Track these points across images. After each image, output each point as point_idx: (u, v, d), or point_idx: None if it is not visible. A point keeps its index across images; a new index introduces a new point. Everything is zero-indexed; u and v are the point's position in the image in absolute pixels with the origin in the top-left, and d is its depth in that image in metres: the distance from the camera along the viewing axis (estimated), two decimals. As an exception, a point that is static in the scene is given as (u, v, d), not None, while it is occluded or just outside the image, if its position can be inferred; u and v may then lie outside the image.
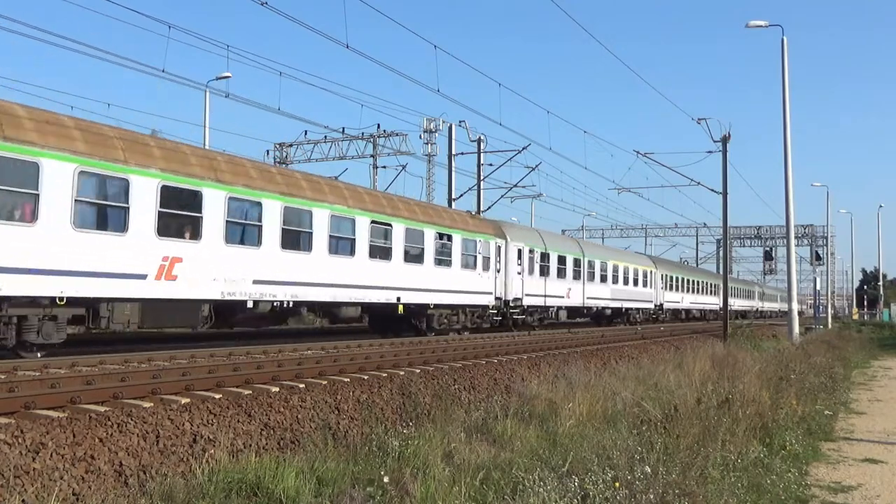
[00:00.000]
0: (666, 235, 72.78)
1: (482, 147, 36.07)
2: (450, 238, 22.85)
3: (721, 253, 57.15)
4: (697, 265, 72.52)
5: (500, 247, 25.66)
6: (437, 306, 22.08)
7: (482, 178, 35.95)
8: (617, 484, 5.98)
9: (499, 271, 25.54)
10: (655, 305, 43.32)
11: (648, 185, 57.67)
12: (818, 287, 52.40)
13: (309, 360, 12.80)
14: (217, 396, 8.91)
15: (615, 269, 36.87)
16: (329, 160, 38.99)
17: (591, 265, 33.83)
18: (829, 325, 51.35)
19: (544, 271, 29.15)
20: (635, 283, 39.87)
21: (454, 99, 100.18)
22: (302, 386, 10.16)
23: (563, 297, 30.84)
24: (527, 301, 27.60)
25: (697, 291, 53.79)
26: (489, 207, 36.45)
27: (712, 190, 32.63)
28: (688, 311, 51.80)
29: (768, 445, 9.13)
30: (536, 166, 36.88)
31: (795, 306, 30.68)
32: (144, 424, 7.54)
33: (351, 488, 6.33)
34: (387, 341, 18.33)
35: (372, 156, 38.79)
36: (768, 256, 73.69)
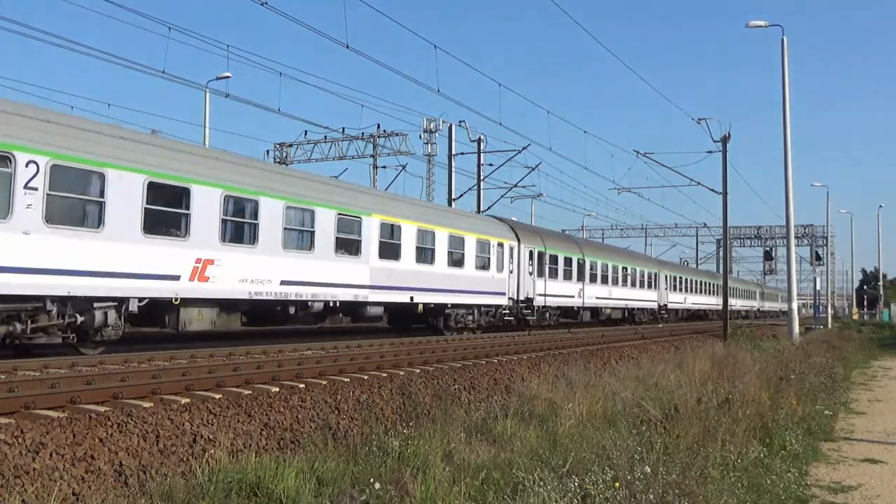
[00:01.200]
0: (666, 235, 72.87)
1: (482, 147, 36.11)
2: None
3: (721, 253, 57.09)
4: (697, 265, 72.34)
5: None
6: None
7: (482, 178, 35.97)
8: (617, 484, 5.98)
9: None
10: (515, 300, 26.42)
11: (648, 185, 57.27)
12: (818, 287, 52.40)
13: (309, 360, 12.81)
14: (217, 396, 8.91)
15: (392, 233, 19.98)
16: (329, 160, 39.03)
17: (309, 219, 17.20)
18: (829, 325, 51.34)
19: (159, 221, 13.59)
20: (458, 262, 22.99)
21: (454, 99, 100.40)
22: (302, 386, 10.16)
23: (178, 276, 13.85)
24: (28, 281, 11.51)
25: (613, 281, 36.35)
26: (489, 207, 36.49)
27: (712, 190, 32.68)
28: (594, 309, 34.05)
29: (768, 445, 9.13)
30: (536, 166, 36.74)
31: (795, 306, 30.69)
32: (144, 424, 7.54)
33: (351, 488, 6.32)
34: (387, 341, 18.31)
35: (372, 156, 38.82)
36: (768, 256, 73.75)
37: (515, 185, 37.47)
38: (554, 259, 29.87)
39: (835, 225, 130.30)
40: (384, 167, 39.25)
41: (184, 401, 8.54)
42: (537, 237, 29.58)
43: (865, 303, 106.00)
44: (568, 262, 31.17)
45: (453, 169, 34.60)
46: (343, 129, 37.12)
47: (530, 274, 27.66)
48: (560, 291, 30.29)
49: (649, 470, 6.25)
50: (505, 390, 12.64)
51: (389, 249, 19.84)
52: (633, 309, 39.53)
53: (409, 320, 22.43)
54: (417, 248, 20.90)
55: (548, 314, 29.40)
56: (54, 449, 6.66)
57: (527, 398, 11.18)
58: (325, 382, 10.54)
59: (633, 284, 39.31)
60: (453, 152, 34.79)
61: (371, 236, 19.08)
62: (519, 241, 27.12)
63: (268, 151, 39.91)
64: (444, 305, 22.34)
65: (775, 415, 10.50)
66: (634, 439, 7.92)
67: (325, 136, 38.05)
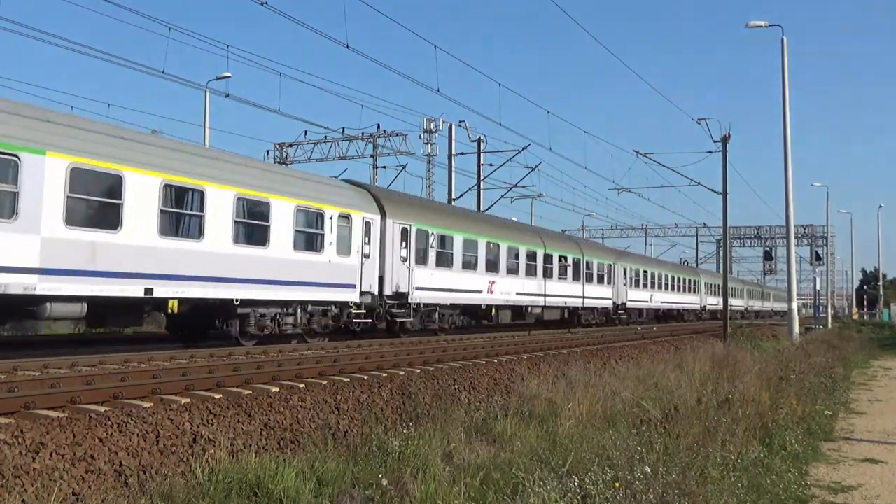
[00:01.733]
0: (666, 235, 72.96)
1: (482, 147, 36.15)
2: None
3: (721, 253, 57.06)
4: (697, 265, 72.27)
5: None
6: None
7: (482, 178, 36.01)
8: (617, 484, 5.98)
9: None
10: (377, 295, 19.44)
11: (648, 185, 57.28)
12: (818, 287, 52.42)
13: (309, 360, 12.82)
14: (217, 396, 8.91)
15: (101, 187, 12.83)
16: (329, 160, 39.02)
17: None
18: (829, 326, 51.35)
19: None
20: (259, 239, 15.79)
21: (454, 99, 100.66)
22: (302, 386, 10.17)
23: None
24: None
25: (545, 273, 29.19)
26: (489, 207, 36.53)
27: (712, 190, 32.66)
28: (515, 308, 26.77)
29: (768, 445, 9.14)
30: (536, 166, 36.75)
31: (795, 306, 30.71)
32: (144, 424, 7.54)
33: (351, 488, 6.33)
34: (387, 341, 18.31)
35: (372, 156, 38.81)
36: (768, 256, 73.79)
37: (515, 185, 37.54)
38: (445, 241, 22.31)
39: (835, 225, 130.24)
40: (384, 167, 39.31)
41: (184, 401, 8.54)
42: (417, 211, 21.84)
43: (865, 303, 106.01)
44: (471, 246, 23.63)
45: (453, 169, 34.63)
46: (343, 129, 37.17)
47: (403, 260, 20.26)
48: (456, 285, 22.64)
49: (649, 470, 6.25)
50: (505, 390, 12.64)
51: (95, 212, 12.74)
52: (576, 308, 32.19)
53: (200, 324, 15.88)
54: (163, 212, 13.71)
55: (438, 314, 22.07)
56: (54, 449, 6.66)
57: (527, 398, 11.18)
58: (325, 382, 10.55)
59: (577, 278, 31.94)
60: (453, 152, 34.82)
61: (46, 188, 11.86)
62: (384, 214, 19.69)
63: (268, 151, 39.96)
64: (227, 302, 15.10)
65: (775, 415, 10.51)
66: (634, 439, 7.92)
67: (325, 136, 38.07)
